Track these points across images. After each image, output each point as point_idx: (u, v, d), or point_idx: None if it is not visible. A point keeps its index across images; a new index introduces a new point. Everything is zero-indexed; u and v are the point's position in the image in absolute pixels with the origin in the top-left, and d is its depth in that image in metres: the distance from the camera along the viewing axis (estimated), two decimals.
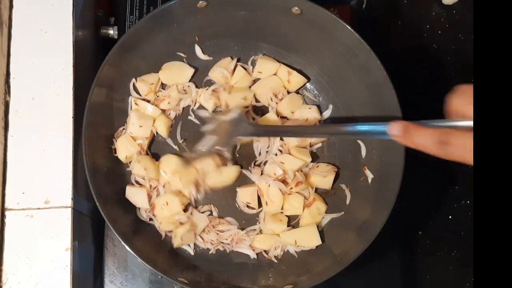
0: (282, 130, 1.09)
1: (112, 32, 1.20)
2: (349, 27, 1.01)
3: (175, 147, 1.12)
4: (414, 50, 1.29)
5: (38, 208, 0.95)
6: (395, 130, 0.80)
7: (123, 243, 0.95)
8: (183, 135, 1.13)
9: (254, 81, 1.15)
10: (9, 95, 0.99)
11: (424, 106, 1.23)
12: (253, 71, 1.15)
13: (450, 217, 1.20)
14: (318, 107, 1.15)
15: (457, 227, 1.19)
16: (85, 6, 1.09)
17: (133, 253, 0.95)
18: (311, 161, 1.12)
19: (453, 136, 0.71)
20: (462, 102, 0.71)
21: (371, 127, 0.86)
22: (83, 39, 1.08)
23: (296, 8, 1.03)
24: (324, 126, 1.13)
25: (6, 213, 0.94)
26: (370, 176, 1.07)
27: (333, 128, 1.07)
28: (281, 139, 1.12)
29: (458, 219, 1.20)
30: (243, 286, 1.05)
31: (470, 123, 0.71)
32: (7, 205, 0.94)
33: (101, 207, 0.96)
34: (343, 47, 1.06)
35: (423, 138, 0.75)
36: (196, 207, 1.09)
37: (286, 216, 1.10)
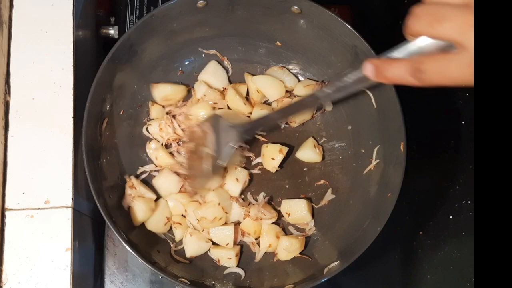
0: (271, 118, 1.06)
1: (112, 32, 1.20)
2: (349, 27, 1.01)
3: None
4: None
5: (38, 208, 0.94)
6: (368, 70, 0.78)
7: (123, 243, 0.95)
8: None
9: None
10: (9, 95, 0.99)
11: (424, 105, 1.23)
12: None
13: (450, 217, 1.20)
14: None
15: (457, 227, 1.19)
16: (86, 6, 1.09)
17: (133, 253, 0.94)
18: None
19: (425, 63, 0.70)
20: (420, 24, 0.69)
21: (348, 76, 0.84)
22: (84, 39, 1.08)
23: (296, 7, 1.03)
24: (307, 97, 1.01)
25: (6, 213, 0.94)
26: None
27: (318, 94, 0.94)
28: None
29: (458, 219, 1.20)
30: (244, 285, 1.05)
31: (435, 42, 0.70)
32: (7, 205, 0.94)
33: (101, 207, 0.96)
34: (343, 47, 1.06)
35: (396, 71, 0.74)
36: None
37: None
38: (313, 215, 1.11)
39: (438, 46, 0.70)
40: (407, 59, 0.73)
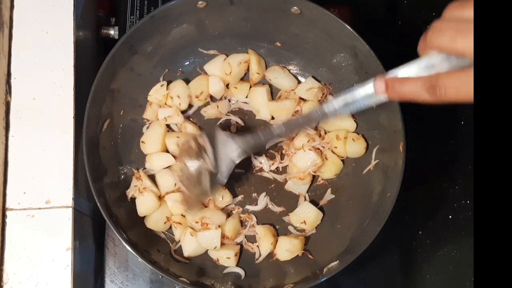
0: (276, 133, 0.99)
1: (112, 32, 1.20)
2: (349, 27, 1.01)
3: None
4: (414, 51, 1.29)
5: (39, 208, 0.95)
6: (380, 86, 0.77)
7: (123, 242, 0.95)
8: None
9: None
10: (10, 95, 0.99)
11: (423, 106, 1.23)
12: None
13: (450, 217, 1.20)
14: None
15: (456, 227, 1.19)
16: (86, 6, 1.09)
17: (133, 252, 0.95)
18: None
19: (441, 79, 0.69)
20: (441, 38, 0.69)
21: (357, 91, 0.82)
22: (84, 40, 1.09)
23: (296, 8, 1.03)
24: (312, 112, 0.95)
25: (7, 213, 0.94)
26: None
27: (324, 109, 0.89)
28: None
29: (457, 219, 1.20)
30: (244, 285, 1.05)
31: (447, 59, 0.70)
32: (8, 205, 0.95)
33: (102, 206, 0.96)
34: (343, 47, 1.06)
35: (411, 87, 0.73)
36: None
37: None
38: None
39: (451, 64, 0.71)
40: (421, 77, 0.73)
